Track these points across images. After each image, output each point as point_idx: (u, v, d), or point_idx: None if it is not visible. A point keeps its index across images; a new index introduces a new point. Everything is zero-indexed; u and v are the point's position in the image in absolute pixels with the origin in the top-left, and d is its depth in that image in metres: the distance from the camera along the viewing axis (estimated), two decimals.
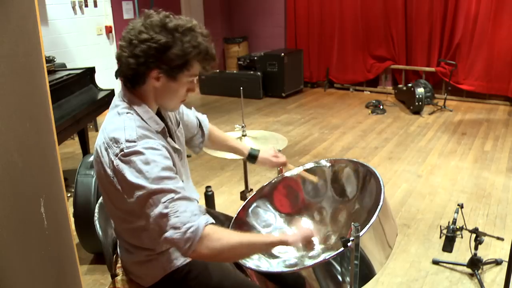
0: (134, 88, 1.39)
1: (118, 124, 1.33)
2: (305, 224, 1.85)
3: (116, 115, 1.37)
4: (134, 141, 1.28)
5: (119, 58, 1.36)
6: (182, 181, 1.48)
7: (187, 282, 1.49)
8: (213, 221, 1.30)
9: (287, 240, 1.37)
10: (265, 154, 1.91)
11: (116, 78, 1.45)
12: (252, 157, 1.91)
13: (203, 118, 1.85)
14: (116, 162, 1.28)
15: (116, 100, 1.43)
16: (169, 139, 1.48)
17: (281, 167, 1.96)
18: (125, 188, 1.27)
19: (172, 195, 1.24)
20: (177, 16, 1.37)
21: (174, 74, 1.35)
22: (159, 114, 1.49)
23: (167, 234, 1.22)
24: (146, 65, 1.32)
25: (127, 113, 1.36)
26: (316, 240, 1.44)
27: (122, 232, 1.49)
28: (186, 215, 1.23)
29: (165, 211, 1.22)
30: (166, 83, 1.37)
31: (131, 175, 1.25)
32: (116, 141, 1.29)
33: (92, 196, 2.54)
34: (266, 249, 1.46)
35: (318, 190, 1.88)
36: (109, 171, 1.31)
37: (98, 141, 1.37)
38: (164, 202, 1.23)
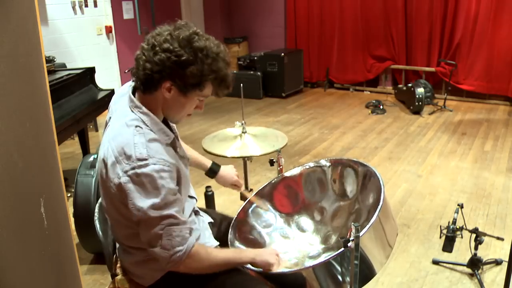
0: (145, 93, 1.38)
1: (128, 138, 1.32)
2: (305, 224, 1.85)
3: (124, 126, 1.35)
4: (146, 159, 1.28)
5: (137, 59, 1.36)
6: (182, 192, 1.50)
7: (187, 280, 1.49)
8: (198, 241, 1.37)
9: (257, 261, 1.47)
10: (226, 174, 1.91)
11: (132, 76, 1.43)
12: (212, 171, 1.90)
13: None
14: (124, 179, 1.28)
15: (124, 109, 1.40)
16: (178, 149, 1.49)
17: (281, 167, 1.97)
18: (128, 206, 1.30)
19: (171, 220, 1.31)
20: (206, 36, 1.36)
21: (186, 90, 1.35)
22: (164, 121, 1.48)
23: (156, 250, 1.32)
24: (161, 75, 1.31)
25: (136, 126, 1.34)
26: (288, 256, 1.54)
27: (122, 236, 1.49)
28: (177, 239, 1.32)
29: (160, 232, 1.30)
30: (177, 97, 1.37)
31: (137, 198, 1.28)
32: (127, 157, 1.28)
33: (92, 196, 2.54)
34: (239, 265, 1.52)
35: (318, 190, 1.88)
36: (112, 185, 1.31)
37: (105, 151, 1.34)
38: (162, 224, 1.30)
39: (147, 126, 1.36)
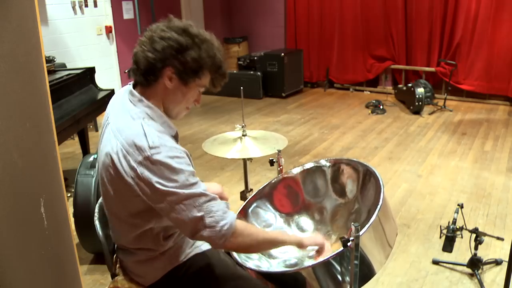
0: (146, 85, 1.40)
1: (137, 129, 1.32)
2: (305, 223, 1.85)
3: (131, 119, 1.36)
4: (158, 147, 1.28)
5: (136, 53, 1.38)
6: None
7: (188, 279, 1.49)
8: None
9: (304, 243, 1.52)
10: (210, 187, 1.86)
11: (129, 77, 1.46)
12: None
13: None
14: (140, 170, 1.28)
15: (126, 103, 1.41)
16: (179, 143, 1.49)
17: (281, 167, 1.97)
18: (152, 195, 1.29)
19: (203, 198, 1.31)
20: (197, 28, 1.42)
21: (186, 78, 1.38)
22: None
23: (204, 233, 1.30)
24: (163, 61, 1.35)
25: (143, 118, 1.36)
26: (328, 246, 1.55)
27: (127, 241, 1.47)
28: (218, 214, 1.31)
29: (200, 214, 1.29)
30: (177, 86, 1.39)
31: (159, 184, 1.27)
32: (138, 148, 1.28)
33: (92, 196, 2.54)
34: (285, 245, 1.56)
35: (318, 190, 1.89)
36: (128, 179, 1.30)
37: (112, 146, 1.33)
38: (197, 206, 1.29)
39: (152, 119, 1.38)
